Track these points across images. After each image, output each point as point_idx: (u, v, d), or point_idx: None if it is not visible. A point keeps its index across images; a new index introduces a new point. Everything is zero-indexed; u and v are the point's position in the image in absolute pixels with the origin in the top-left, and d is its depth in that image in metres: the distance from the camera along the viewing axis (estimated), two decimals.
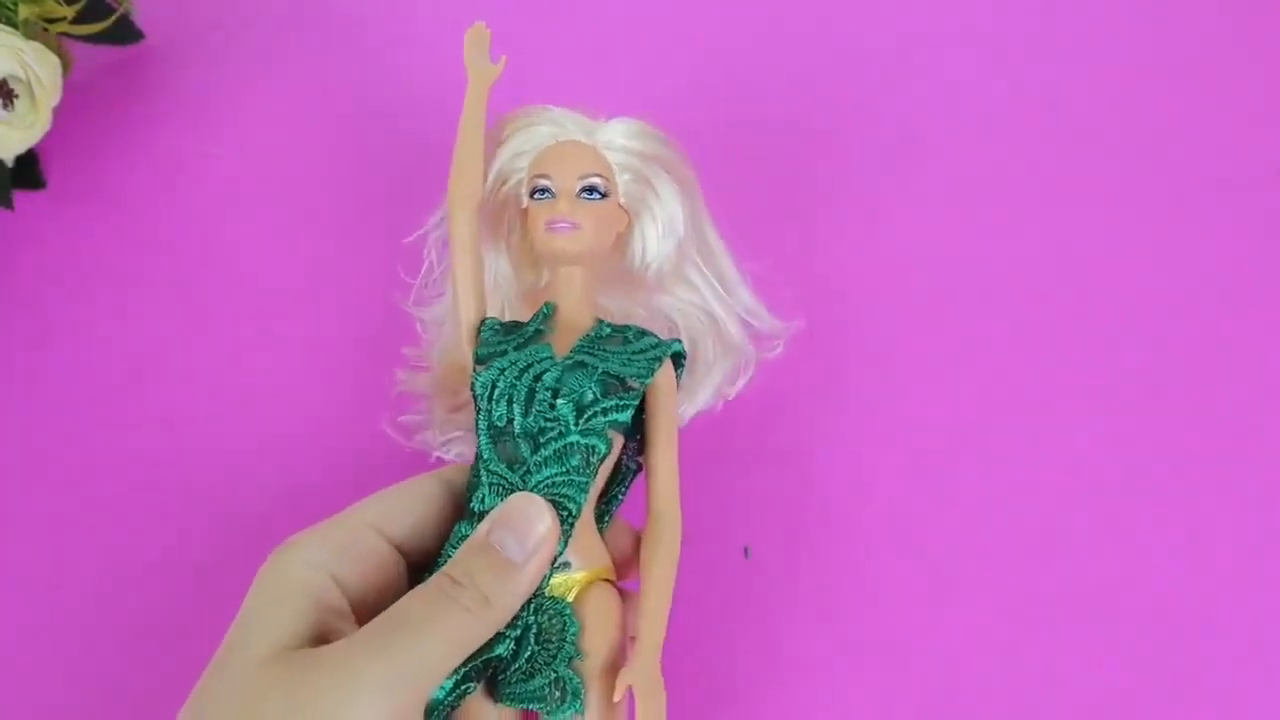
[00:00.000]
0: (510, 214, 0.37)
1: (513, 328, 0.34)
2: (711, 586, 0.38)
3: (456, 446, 0.39)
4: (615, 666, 0.31)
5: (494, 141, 0.36)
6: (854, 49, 0.51)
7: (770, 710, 0.36)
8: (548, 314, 0.34)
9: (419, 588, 0.29)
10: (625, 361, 0.33)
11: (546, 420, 0.32)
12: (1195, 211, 0.45)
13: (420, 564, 0.32)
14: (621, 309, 0.38)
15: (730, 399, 0.40)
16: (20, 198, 0.50)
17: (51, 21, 0.48)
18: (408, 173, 0.40)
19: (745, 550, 0.39)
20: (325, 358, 0.44)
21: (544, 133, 0.36)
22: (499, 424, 0.32)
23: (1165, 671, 0.36)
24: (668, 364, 0.34)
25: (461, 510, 0.33)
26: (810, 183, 0.47)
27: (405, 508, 0.32)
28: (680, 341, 0.35)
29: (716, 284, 0.39)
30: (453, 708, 0.29)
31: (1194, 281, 0.43)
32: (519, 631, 0.30)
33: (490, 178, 0.36)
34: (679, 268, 0.37)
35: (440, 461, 0.39)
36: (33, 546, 0.41)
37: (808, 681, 0.37)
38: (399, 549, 0.32)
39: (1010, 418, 0.41)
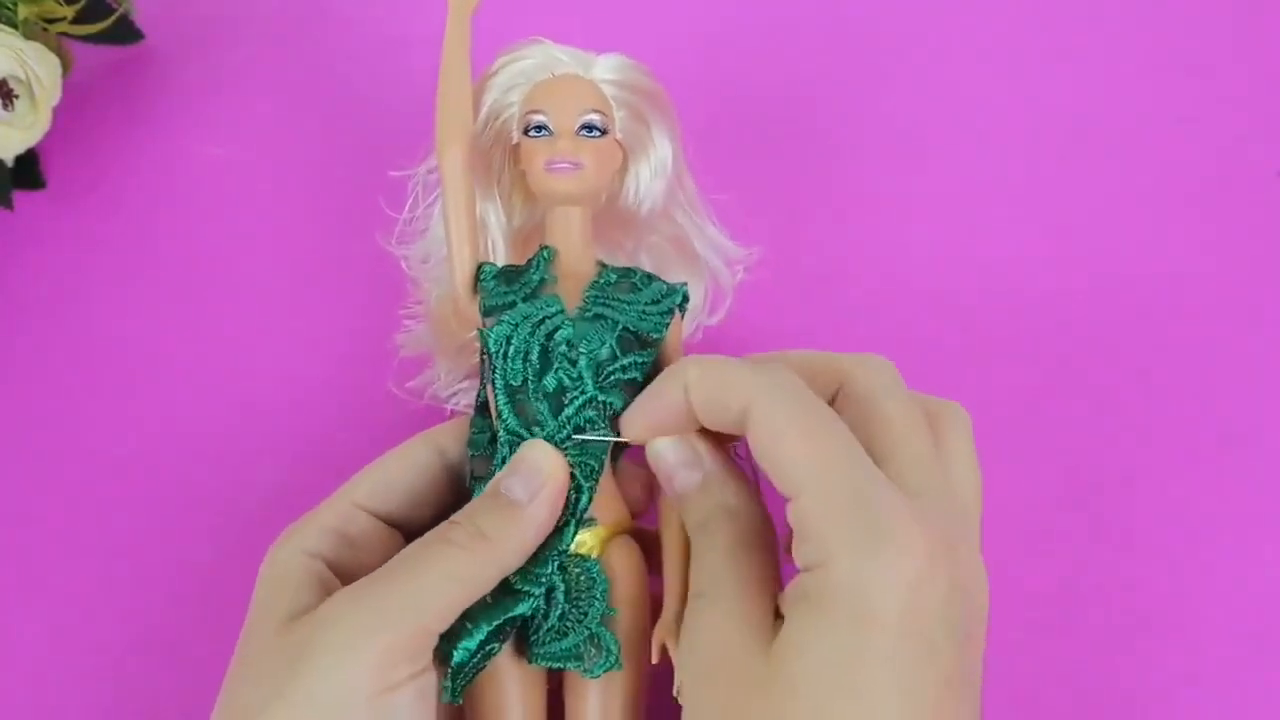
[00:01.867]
0: (501, 152, 0.35)
1: (513, 274, 0.33)
2: None
3: (466, 397, 0.39)
4: (644, 621, 0.31)
5: (483, 78, 0.35)
6: (850, 42, 0.51)
7: None
8: (548, 259, 0.33)
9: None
10: (640, 315, 0.32)
11: (567, 379, 0.31)
12: (1195, 211, 0.45)
13: (417, 535, 0.32)
14: (606, 249, 0.37)
15: (710, 326, 0.41)
16: (20, 198, 0.50)
17: (51, 21, 0.48)
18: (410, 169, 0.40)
19: None
20: (328, 356, 0.44)
21: (537, 65, 0.34)
22: (514, 383, 0.31)
23: (1170, 670, 0.36)
24: (678, 314, 0.33)
25: (464, 475, 0.33)
26: (810, 178, 0.47)
27: (394, 482, 0.32)
28: (685, 285, 0.34)
29: (694, 218, 0.38)
30: (478, 669, 0.29)
31: (1194, 281, 0.43)
32: (543, 590, 0.30)
33: (481, 114, 0.34)
34: (667, 207, 0.37)
35: (454, 414, 0.39)
36: (33, 546, 0.41)
37: None
38: (393, 523, 0.32)
39: (1010, 416, 0.41)
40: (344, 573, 0.31)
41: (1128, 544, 0.38)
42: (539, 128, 0.33)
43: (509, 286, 0.32)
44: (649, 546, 0.33)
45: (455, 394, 0.40)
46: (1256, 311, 0.42)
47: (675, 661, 0.29)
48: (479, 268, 0.33)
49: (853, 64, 0.50)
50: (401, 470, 0.33)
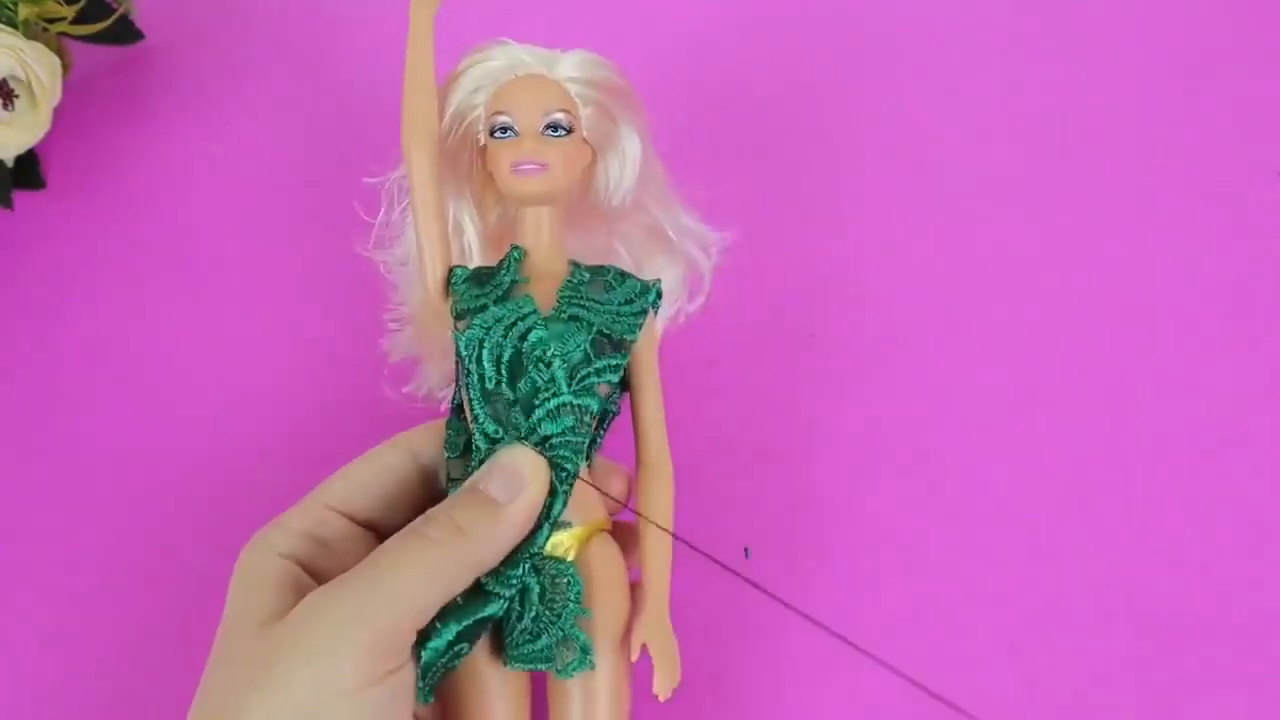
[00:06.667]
0: (469, 153, 0.35)
1: (485, 276, 0.33)
2: (710, 587, 0.38)
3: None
4: (623, 620, 0.31)
5: (448, 80, 0.34)
6: (850, 42, 0.51)
7: (768, 711, 0.36)
8: (518, 260, 0.33)
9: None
10: (614, 317, 0.32)
11: (541, 381, 0.31)
12: (1195, 211, 0.45)
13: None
14: (580, 240, 0.37)
15: (692, 314, 0.41)
16: (20, 198, 0.50)
17: (51, 21, 0.48)
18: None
19: (745, 551, 0.39)
20: (328, 355, 0.44)
21: (501, 66, 0.34)
22: (489, 386, 0.31)
23: (1173, 674, 0.36)
24: (651, 313, 0.33)
25: (439, 478, 0.33)
26: (811, 179, 0.47)
27: (367, 484, 0.32)
28: (660, 282, 0.34)
29: (666, 206, 0.38)
30: (448, 669, 0.29)
31: (1194, 281, 0.43)
32: (514, 592, 0.30)
33: (447, 116, 0.34)
34: (639, 198, 0.37)
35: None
36: (33, 546, 0.41)
37: (806, 683, 0.37)
38: (366, 525, 0.32)
39: (1009, 416, 0.41)
40: (318, 575, 0.30)
41: (1131, 546, 0.38)
42: (504, 129, 0.33)
43: (481, 289, 0.32)
44: (628, 542, 0.32)
45: (449, 393, 0.40)
46: (1257, 311, 0.42)
47: (654, 658, 0.29)
48: (451, 271, 0.33)
49: (852, 63, 0.50)
50: (374, 472, 0.33)
